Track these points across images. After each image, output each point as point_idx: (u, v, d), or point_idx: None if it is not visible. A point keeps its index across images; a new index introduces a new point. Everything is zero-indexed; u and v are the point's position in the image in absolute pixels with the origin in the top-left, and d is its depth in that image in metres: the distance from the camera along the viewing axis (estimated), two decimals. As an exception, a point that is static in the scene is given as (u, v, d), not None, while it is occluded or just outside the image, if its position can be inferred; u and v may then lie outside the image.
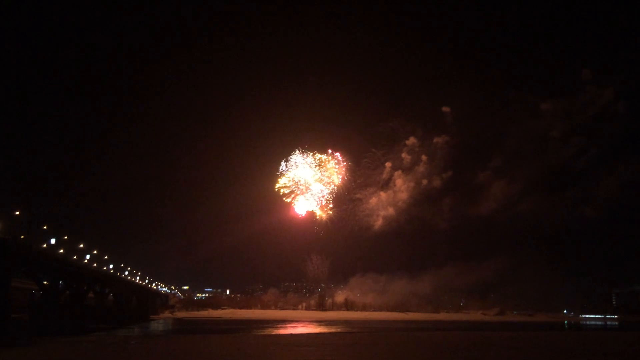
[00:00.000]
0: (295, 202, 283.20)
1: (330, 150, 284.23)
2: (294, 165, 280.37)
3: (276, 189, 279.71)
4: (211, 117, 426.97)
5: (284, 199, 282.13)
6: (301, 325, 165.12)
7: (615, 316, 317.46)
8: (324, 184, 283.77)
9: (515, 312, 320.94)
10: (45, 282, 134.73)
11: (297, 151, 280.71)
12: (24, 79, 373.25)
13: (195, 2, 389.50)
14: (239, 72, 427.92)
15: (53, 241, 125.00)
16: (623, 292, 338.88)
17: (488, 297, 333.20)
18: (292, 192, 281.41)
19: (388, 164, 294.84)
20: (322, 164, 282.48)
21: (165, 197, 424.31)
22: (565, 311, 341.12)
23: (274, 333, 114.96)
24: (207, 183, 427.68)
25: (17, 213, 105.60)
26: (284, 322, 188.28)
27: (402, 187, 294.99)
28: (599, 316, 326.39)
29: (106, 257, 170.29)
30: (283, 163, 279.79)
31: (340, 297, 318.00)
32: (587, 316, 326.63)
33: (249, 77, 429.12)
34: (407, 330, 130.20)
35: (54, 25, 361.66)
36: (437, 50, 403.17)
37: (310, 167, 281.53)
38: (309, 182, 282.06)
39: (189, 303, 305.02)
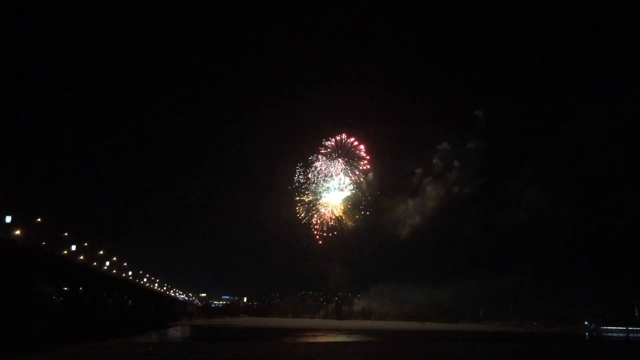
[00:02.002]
0: (314, 219, 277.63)
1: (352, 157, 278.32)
2: (316, 172, 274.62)
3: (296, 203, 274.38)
4: (238, 121, 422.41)
5: (302, 220, 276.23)
6: (320, 334, 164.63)
7: (638, 328, 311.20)
8: (349, 190, 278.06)
9: (535, 323, 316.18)
10: (65, 289, 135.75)
11: (322, 157, 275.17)
12: (42, 86, 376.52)
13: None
14: (257, 73, 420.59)
15: (74, 248, 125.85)
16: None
17: (507, 307, 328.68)
18: (312, 208, 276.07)
19: (418, 170, 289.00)
20: (349, 170, 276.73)
21: (183, 204, 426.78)
22: (586, 322, 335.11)
23: (292, 341, 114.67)
24: (226, 189, 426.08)
25: (39, 220, 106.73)
26: (301, 330, 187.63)
27: (431, 195, 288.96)
28: (621, 328, 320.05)
29: (125, 264, 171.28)
30: (298, 171, 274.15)
31: (359, 305, 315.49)
32: (608, 328, 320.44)
33: (269, 78, 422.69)
34: (426, 340, 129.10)
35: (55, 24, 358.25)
36: (470, 52, 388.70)
37: (336, 173, 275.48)
38: (332, 192, 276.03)
39: (207, 310, 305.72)
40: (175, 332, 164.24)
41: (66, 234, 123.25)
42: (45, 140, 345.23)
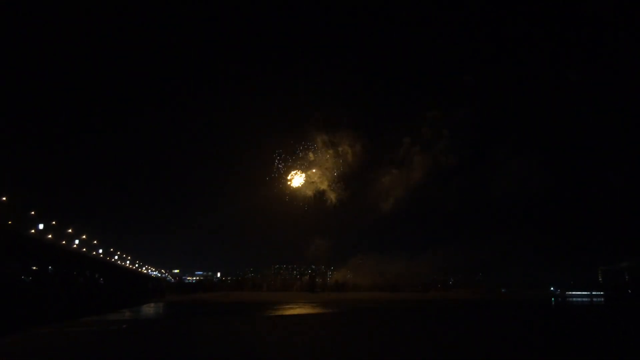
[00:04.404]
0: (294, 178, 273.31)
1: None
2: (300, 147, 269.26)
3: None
4: (205, 86, 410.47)
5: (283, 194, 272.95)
6: (289, 306, 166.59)
7: (602, 292, 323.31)
8: (335, 163, 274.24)
9: (503, 290, 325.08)
10: (34, 268, 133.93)
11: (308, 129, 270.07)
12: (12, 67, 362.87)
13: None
14: (242, 42, 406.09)
15: (41, 226, 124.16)
16: (609, 269, 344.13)
17: (477, 275, 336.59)
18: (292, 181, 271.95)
19: (406, 139, 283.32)
20: (334, 141, 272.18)
21: (152, 178, 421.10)
22: (552, 288, 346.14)
23: (266, 314, 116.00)
24: (198, 164, 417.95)
25: (4, 199, 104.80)
26: (273, 304, 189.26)
27: (418, 165, 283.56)
28: (585, 292, 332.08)
29: (95, 242, 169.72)
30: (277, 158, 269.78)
31: (336, 277, 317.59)
32: (573, 293, 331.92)
33: (251, 47, 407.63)
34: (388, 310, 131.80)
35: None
36: (457, 15, 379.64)
37: (322, 145, 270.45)
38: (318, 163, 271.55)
39: (180, 286, 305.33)
40: (149, 309, 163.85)
41: (33, 212, 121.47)
42: (11, 117, 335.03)
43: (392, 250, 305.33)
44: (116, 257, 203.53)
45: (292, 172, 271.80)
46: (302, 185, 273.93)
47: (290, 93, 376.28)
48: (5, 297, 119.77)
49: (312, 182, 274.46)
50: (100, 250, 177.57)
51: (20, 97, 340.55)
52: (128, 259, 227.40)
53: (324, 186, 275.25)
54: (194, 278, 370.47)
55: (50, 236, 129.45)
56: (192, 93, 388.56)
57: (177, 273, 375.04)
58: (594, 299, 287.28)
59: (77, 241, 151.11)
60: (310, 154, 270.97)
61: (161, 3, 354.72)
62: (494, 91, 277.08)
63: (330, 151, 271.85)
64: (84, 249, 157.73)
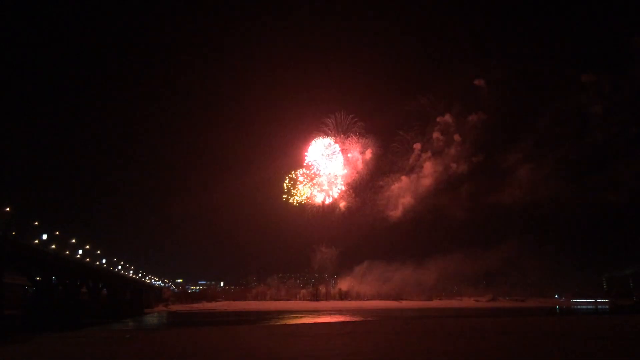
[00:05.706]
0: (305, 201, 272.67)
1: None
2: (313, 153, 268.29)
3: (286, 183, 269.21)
4: (215, 95, 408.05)
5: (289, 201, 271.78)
6: (295, 315, 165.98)
7: (606, 300, 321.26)
8: (344, 171, 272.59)
9: (507, 298, 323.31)
10: (37, 278, 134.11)
11: (319, 138, 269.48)
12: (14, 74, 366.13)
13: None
14: (254, 50, 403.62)
15: (45, 237, 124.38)
16: (613, 276, 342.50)
17: (481, 283, 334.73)
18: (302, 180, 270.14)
19: (417, 146, 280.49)
20: (344, 149, 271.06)
21: (156, 191, 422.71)
22: (556, 296, 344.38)
23: (272, 324, 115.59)
24: (208, 171, 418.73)
25: (8, 209, 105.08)
26: (278, 313, 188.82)
27: (428, 172, 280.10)
28: (590, 300, 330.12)
29: (98, 252, 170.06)
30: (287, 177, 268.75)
31: (339, 285, 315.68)
32: (578, 301, 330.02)
33: (264, 55, 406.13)
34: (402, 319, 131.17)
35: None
36: (471, 20, 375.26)
37: (333, 154, 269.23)
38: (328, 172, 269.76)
39: (183, 296, 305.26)
40: (152, 318, 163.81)
41: (36, 223, 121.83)
42: (14, 131, 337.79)
43: (399, 258, 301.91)
44: (119, 267, 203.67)
45: (300, 180, 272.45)
46: (310, 194, 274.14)
47: (301, 101, 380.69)
48: (8, 307, 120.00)
49: (321, 191, 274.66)
50: (104, 260, 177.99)
51: (25, 106, 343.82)
52: (131, 269, 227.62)
53: (332, 194, 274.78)
54: (197, 287, 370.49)
55: (53, 246, 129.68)
56: (200, 104, 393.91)
57: (180, 282, 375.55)
58: (599, 307, 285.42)
59: (80, 251, 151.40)
60: (320, 161, 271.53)
61: (170, 8, 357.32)
62: (506, 97, 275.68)
63: (341, 158, 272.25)
64: (87, 259, 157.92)
